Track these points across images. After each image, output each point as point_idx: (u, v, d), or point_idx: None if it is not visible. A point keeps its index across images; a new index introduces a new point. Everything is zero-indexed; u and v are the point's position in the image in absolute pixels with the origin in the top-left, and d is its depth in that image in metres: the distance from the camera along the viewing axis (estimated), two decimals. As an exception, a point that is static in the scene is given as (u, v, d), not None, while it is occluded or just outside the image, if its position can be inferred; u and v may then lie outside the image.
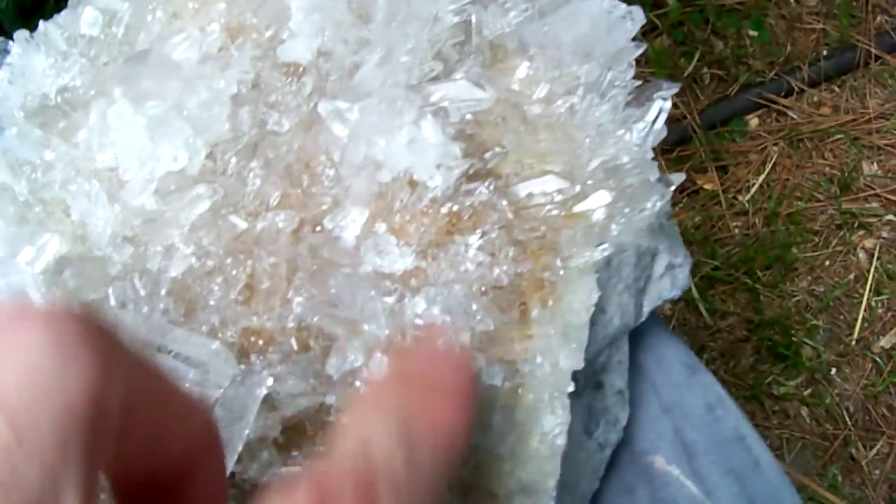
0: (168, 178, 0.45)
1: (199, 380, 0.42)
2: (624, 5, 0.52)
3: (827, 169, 1.49)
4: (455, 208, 0.45)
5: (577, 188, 0.45)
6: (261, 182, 0.47)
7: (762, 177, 1.48)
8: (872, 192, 1.46)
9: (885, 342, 1.36)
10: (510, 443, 0.41)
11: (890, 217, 1.47)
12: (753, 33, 1.60)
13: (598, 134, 0.48)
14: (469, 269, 0.43)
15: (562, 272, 0.44)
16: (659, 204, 0.47)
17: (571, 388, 0.42)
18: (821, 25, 1.57)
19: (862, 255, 1.43)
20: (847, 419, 1.34)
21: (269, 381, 0.41)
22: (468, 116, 0.46)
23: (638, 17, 0.52)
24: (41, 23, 0.50)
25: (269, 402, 0.42)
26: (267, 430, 0.42)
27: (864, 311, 1.39)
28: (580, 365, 0.42)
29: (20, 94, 0.49)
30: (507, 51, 0.52)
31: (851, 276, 1.41)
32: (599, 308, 0.46)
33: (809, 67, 1.54)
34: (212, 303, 0.45)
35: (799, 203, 1.45)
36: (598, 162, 0.48)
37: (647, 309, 0.49)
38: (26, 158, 0.48)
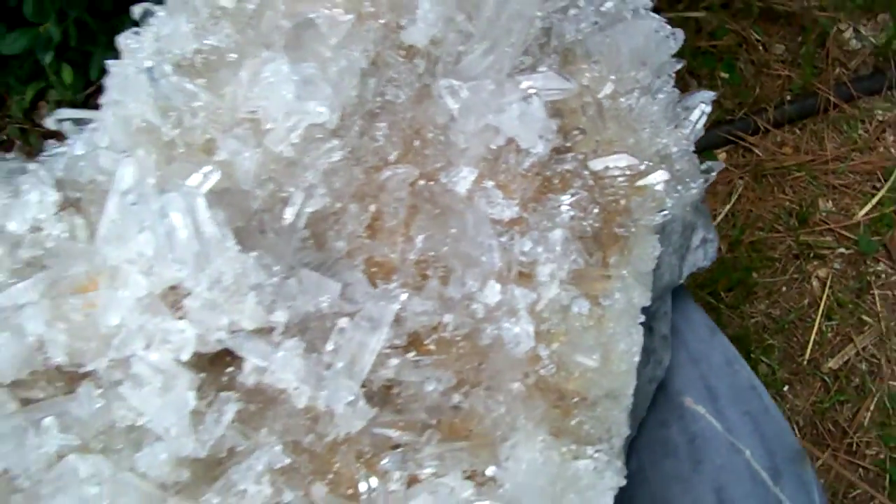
0: (311, 130, 0.57)
1: (341, 296, 0.53)
2: (669, 27, 0.67)
3: (787, 203, 1.66)
4: (548, 173, 0.58)
5: (643, 166, 0.59)
6: (382, 141, 0.59)
7: (728, 207, 1.66)
8: (827, 226, 1.63)
9: (833, 363, 1.54)
10: (598, 358, 0.53)
11: (842, 250, 1.66)
12: (725, 75, 1.78)
13: (653, 127, 0.62)
14: (564, 219, 0.55)
15: (633, 230, 0.57)
16: (704, 186, 0.61)
17: (642, 320, 0.55)
18: (786, 72, 1.77)
19: (816, 283, 1.60)
20: (796, 432, 1.51)
21: (403, 297, 0.53)
22: (557, 99, 0.60)
23: (679, 36, 0.67)
24: (186, -7, 0.61)
25: (396, 318, 0.53)
26: (394, 340, 0.53)
27: (816, 334, 1.57)
28: (648, 303, 0.56)
29: (167, 51, 0.60)
30: (576, 55, 0.65)
31: (805, 302, 1.59)
32: (657, 266, 0.59)
33: (774, 110, 1.71)
34: (342, 235, 0.56)
35: (760, 233, 1.64)
36: (654, 149, 0.62)
37: (686, 272, 0.63)
38: (174, 105, 0.58)
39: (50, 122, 0.60)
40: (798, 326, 1.56)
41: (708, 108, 0.64)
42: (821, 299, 1.58)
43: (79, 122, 0.61)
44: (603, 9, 0.66)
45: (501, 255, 0.54)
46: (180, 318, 0.52)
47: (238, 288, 0.51)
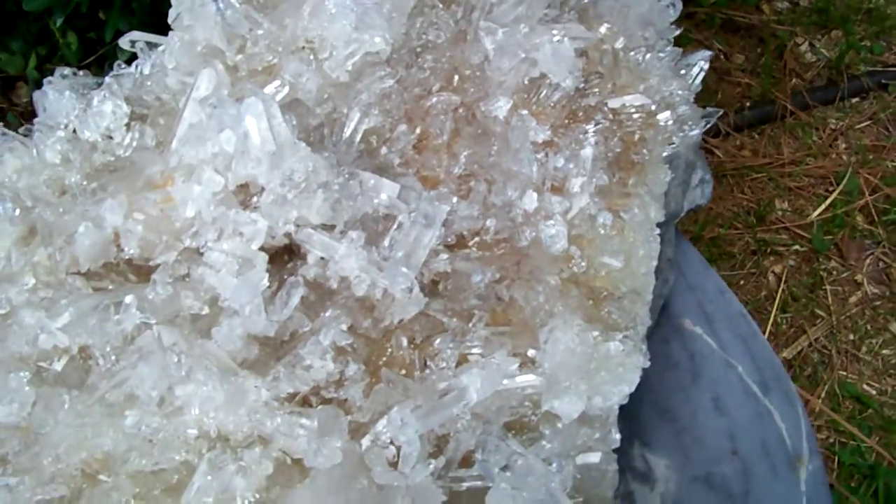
0: (366, 58, 0.68)
1: (398, 197, 0.64)
2: (670, -2, 0.81)
3: (745, 202, 1.84)
4: (574, 107, 0.70)
5: (654, 106, 0.72)
6: (427, 73, 0.70)
7: None
8: (783, 225, 1.81)
9: (787, 353, 1.70)
10: (622, 260, 0.65)
11: (797, 247, 1.76)
12: None
13: (661, 77, 0.75)
14: (590, 143, 0.68)
15: (647, 157, 0.70)
16: (703, 128, 0.75)
17: (658, 231, 0.67)
18: (746, 81, 1.97)
19: (772, 277, 1.77)
20: None
21: (454, 200, 0.64)
22: (581, 47, 0.72)
23: (678, 5, 0.81)
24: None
25: (445, 220, 0.64)
26: (443, 238, 0.64)
27: (772, 325, 1.73)
28: (662, 218, 0.68)
29: (230, -14, 0.70)
30: (590, 15, 0.78)
31: (762, 295, 1.75)
32: (665, 193, 0.72)
33: (735, 115, 1.86)
34: (393, 150, 0.67)
35: (720, 229, 1.80)
36: (660, 96, 0.75)
37: (686, 206, 0.76)
38: (238, 33, 0.69)
39: (124, 42, 0.70)
40: (755, 318, 1.72)
41: (706, 65, 0.78)
42: (776, 293, 1.74)
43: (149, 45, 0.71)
44: (613, -24, 0.79)
45: (538, 169, 0.66)
46: (253, 210, 0.62)
47: (308, 185, 0.61)
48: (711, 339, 0.76)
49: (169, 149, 0.64)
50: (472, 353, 0.62)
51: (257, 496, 0.58)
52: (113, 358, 0.61)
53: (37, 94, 0.70)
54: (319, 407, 0.59)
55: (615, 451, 0.65)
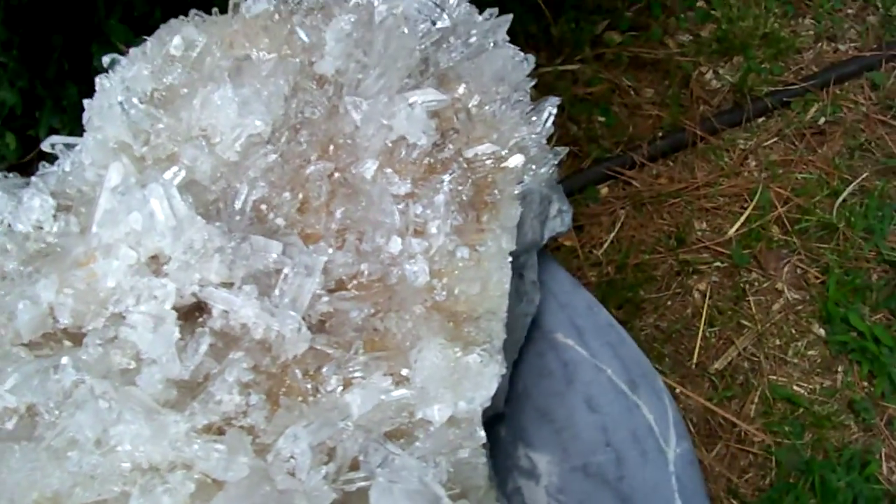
0: (250, 139, 0.85)
1: (282, 253, 0.80)
2: (522, 53, 0.98)
3: (665, 227, 2.04)
4: (431, 161, 0.87)
5: (504, 151, 0.89)
6: (305, 146, 0.87)
7: (612, 234, 1.99)
8: (703, 244, 2.01)
9: (718, 364, 1.86)
10: (478, 287, 0.81)
11: (717, 264, 1.96)
12: (601, 118, 2.18)
13: (512, 127, 0.93)
14: (445, 190, 0.84)
15: (499, 197, 0.87)
16: (553, 166, 0.91)
17: (510, 259, 0.84)
18: (656, 112, 2.18)
19: (697, 295, 1.95)
20: (691, 429, 1.81)
21: (331, 251, 0.81)
22: (434, 109, 0.90)
23: (531, 60, 0.98)
24: (145, 43, 0.90)
25: (325, 269, 0.81)
26: (324, 284, 0.81)
27: (701, 340, 1.89)
28: (513, 247, 0.84)
29: (133, 89, 0.88)
30: (450, 78, 0.96)
31: (689, 312, 1.92)
32: (519, 224, 0.88)
33: (648, 146, 2.08)
34: (279, 215, 0.84)
35: (644, 255, 1.97)
36: (513, 141, 0.92)
37: (547, 235, 0.93)
38: (142, 128, 0.86)
39: (45, 146, 0.87)
40: (684, 335, 1.90)
41: (554, 110, 0.95)
42: (702, 309, 1.92)
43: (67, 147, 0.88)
44: (469, 41, 0.97)
45: (400, 217, 0.83)
46: (162, 277, 0.79)
47: (206, 251, 0.78)
48: (582, 349, 0.92)
49: (90, 232, 0.81)
50: (354, 377, 0.78)
51: (182, 511, 0.73)
52: (56, 412, 0.77)
53: (-25, 198, 0.87)
54: (228, 432, 0.75)
55: (502, 452, 0.81)
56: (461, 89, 0.94)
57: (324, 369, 0.78)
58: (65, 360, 0.77)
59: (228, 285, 0.79)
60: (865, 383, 1.87)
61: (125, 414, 0.74)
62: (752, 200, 2.04)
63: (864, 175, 2.11)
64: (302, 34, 0.91)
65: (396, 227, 0.82)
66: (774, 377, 1.86)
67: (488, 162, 0.88)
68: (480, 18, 0.98)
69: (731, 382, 1.85)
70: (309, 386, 0.78)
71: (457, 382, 0.77)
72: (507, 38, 0.99)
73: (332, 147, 0.88)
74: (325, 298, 0.80)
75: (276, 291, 0.79)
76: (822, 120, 2.20)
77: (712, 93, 2.24)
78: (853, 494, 1.73)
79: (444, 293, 0.81)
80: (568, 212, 0.95)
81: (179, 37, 0.90)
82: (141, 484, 0.74)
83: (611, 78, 2.22)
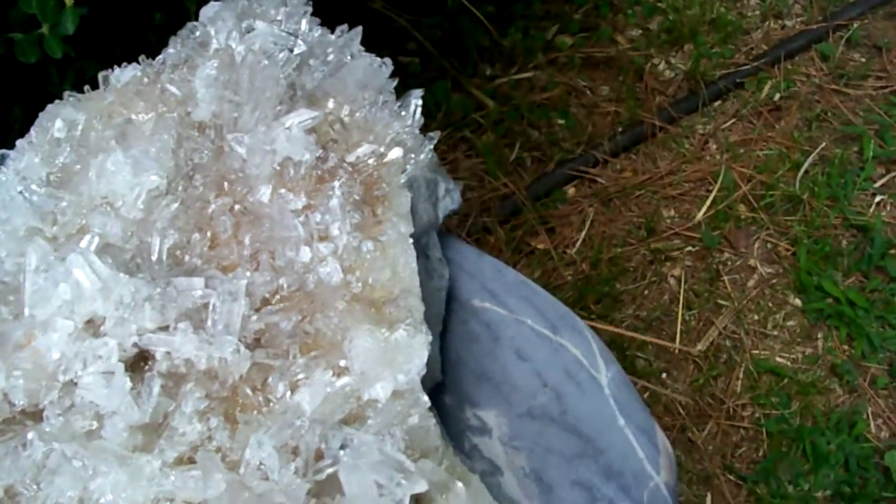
0: (150, 195, 0.95)
1: (206, 287, 0.90)
2: (380, 59, 1.11)
3: (635, 219, 2.18)
4: (319, 172, 0.99)
5: (382, 149, 1.01)
6: (201, 189, 0.98)
7: (584, 232, 2.15)
8: (673, 231, 2.16)
9: (700, 346, 1.98)
10: (389, 272, 0.93)
11: (689, 248, 2.13)
12: (561, 121, 2.34)
13: (385, 125, 1.05)
14: (338, 195, 0.96)
15: (387, 189, 0.98)
16: (429, 151, 1.04)
17: (412, 241, 0.95)
18: (614, 108, 2.35)
19: (672, 281, 2.09)
20: (681, 410, 1.93)
21: (248, 274, 0.91)
22: (309, 126, 1.01)
23: (388, 63, 1.11)
24: (29, 133, 1.00)
25: (249, 291, 0.91)
26: (251, 304, 0.91)
27: (681, 324, 2.03)
28: (412, 230, 0.96)
29: (29, 177, 0.97)
30: (318, 96, 1.07)
31: (666, 298, 2.05)
32: (413, 209, 1.00)
33: (609, 142, 2.25)
34: (194, 255, 0.94)
35: (616, 248, 2.10)
36: (389, 137, 1.04)
37: (441, 214, 1.05)
38: (47, 210, 0.96)
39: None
40: (664, 321, 2.05)
41: (419, 102, 1.07)
42: (679, 294, 2.08)
43: (-19, 245, 0.97)
44: (328, 59, 1.09)
45: (303, 228, 0.94)
46: (102, 336, 0.88)
47: (136, 302, 0.88)
48: (500, 308, 1.04)
49: (24, 315, 0.90)
50: (299, 379, 0.88)
51: (173, 537, 0.83)
52: (34, 486, 0.86)
53: None
54: (198, 454, 0.85)
55: (451, 417, 0.92)
56: (331, 103, 1.05)
57: (269, 380, 0.88)
58: (30, 434, 0.86)
59: (164, 329, 0.89)
60: (846, 346, 2.03)
61: (100, 466, 0.84)
62: (716, 182, 2.21)
63: (823, 145, 2.30)
64: (173, 89, 1.02)
65: (302, 238, 0.93)
66: (756, 352, 2.01)
67: (371, 161, 1.00)
68: (333, 37, 1.10)
69: (716, 362, 1.99)
70: (260, 398, 0.88)
71: (391, 359, 0.88)
72: (362, 48, 1.11)
73: (226, 184, 0.98)
74: (255, 317, 0.91)
75: (209, 322, 0.89)
76: (777, 96, 2.39)
77: (666, 83, 2.41)
78: (844, 455, 1.89)
79: (360, 285, 0.93)
80: (455, 189, 1.08)
81: (60, 119, 1.00)
82: (130, 525, 0.84)
83: (566, 81, 2.39)
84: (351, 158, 1.00)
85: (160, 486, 0.84)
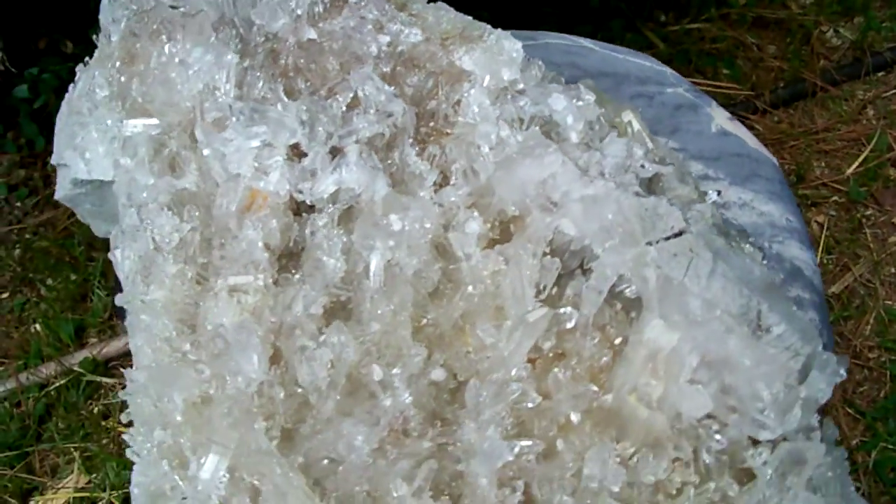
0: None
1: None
2: None
3: (786, 165, 2.37)
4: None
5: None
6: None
7: None
8: (821, 182, 2.36)
9: (835, 288, 2.17)
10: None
11: (835, 199, 2.33)
12: (726, 70, 2.58)
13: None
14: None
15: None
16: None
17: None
18: (778, 65, 2.60)
19: (815, 226, 2.27)
20: None
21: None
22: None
23: None
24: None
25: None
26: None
27: (819, 265, 2.02)
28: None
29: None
30: None
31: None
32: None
33: (771, 94, 2.49)
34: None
35: None
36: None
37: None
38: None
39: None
40: None
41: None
42: (820, 238, 2.29)
43: None
44: None
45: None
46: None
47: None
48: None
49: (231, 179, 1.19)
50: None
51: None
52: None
53: None
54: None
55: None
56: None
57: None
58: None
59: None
60: (981, 307, 2.16)
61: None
62: (869, 144, 2.43)
63: (984, 122, 2.44)
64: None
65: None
66: (890, 302, 2.20)
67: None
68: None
69: (848, 304, 2.20)
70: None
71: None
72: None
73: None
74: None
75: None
76: (943, 73, 2.54)
77: (832, 49, 2.67)
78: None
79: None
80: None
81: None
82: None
83: (735, 35, 2.66)
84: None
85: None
